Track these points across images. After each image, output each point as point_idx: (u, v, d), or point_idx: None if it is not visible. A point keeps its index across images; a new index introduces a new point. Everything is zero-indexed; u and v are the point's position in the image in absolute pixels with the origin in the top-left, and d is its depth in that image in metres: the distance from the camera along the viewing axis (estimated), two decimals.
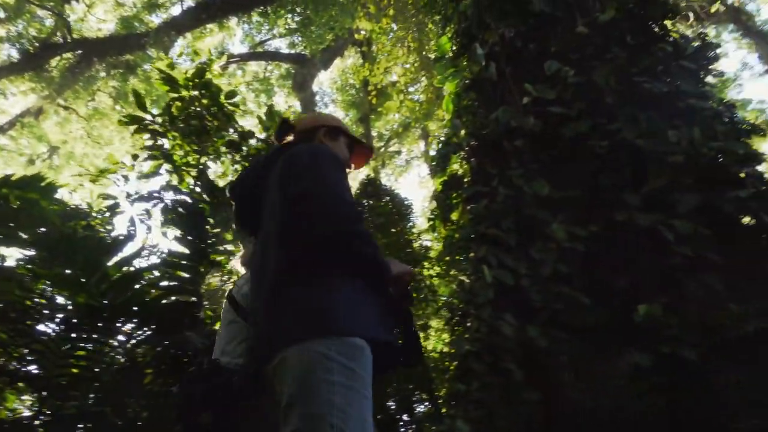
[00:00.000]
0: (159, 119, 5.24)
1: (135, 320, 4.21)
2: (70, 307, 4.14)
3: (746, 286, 3.93)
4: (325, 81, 22.37)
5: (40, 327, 4.10)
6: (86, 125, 18.88)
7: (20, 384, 4.01)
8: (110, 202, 5.17)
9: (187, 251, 4.50)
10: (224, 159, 5.45)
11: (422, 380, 5.68)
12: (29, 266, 4.08)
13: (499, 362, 3.92)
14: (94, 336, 4.21)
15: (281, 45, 20.79)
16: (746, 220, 4.20)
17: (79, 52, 16.44)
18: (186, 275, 4.48)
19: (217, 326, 4.78)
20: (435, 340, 7.03)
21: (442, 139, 6.36)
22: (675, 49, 4.87)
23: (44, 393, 3.98)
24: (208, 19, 16.32)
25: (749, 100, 19.51)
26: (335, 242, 1.68)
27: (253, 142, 5.31)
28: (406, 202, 7.84)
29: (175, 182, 5.13)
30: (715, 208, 4.00)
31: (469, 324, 4.30)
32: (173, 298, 4.49)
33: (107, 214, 5.13)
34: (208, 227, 4.57)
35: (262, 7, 16.47)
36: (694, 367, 3.49)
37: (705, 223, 3.91)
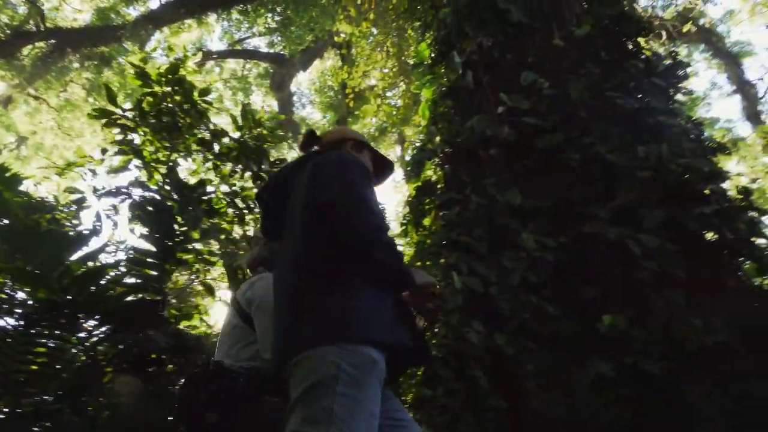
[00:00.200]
0: (129, 114, 5.14)
1: (97, 317, 4.11)
2: (30, 303, 4.02)
3: (708, 300, 4.03)
4: (303, 82, 22.33)
5: None
6: (57, 116, 18.45)
7: None
8: (77, 196, 5.04)
9: (153, 249, 4.42)
10: (195, 157, 5.37)
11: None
12: None
13: (466, 369, 3.94)
14: (55, 332, 4.10)
15: (260, 44, 20.69)
16: (710, 236, 4.31)
17: (53, 41, 16.06)
18: (151, 273, 4.39)
19: (181, 326, 4.72)
20: None
21: (417, 144, 6.38)
22: (647, 66, 4.98)
23: (0, 390, 3.85)
24: (186, 14, 16.10)
25: (717, 118, 20.09)
26: (359, 251, 1.69)
27: (225, 140, 5.24)
28: (379, 206, 7.81)
29: (144, 178, 5.03)
30: (680, 224, 4.09)
31: (437, 330, 4.31)
32: (138, 295, 4.40)
33: (74, 208, 5.01)
34: (175, 225, 4.48)
35: (242, 5, 16.32)
36: (657, 379, 3.55)
37: (671, 238, 4.00)
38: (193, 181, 5.18)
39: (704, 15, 16.38)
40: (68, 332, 4.08)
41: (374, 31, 11.24)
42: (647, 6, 15.45)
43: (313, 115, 22.75)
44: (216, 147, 5.23)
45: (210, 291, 5.09)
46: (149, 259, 4.45)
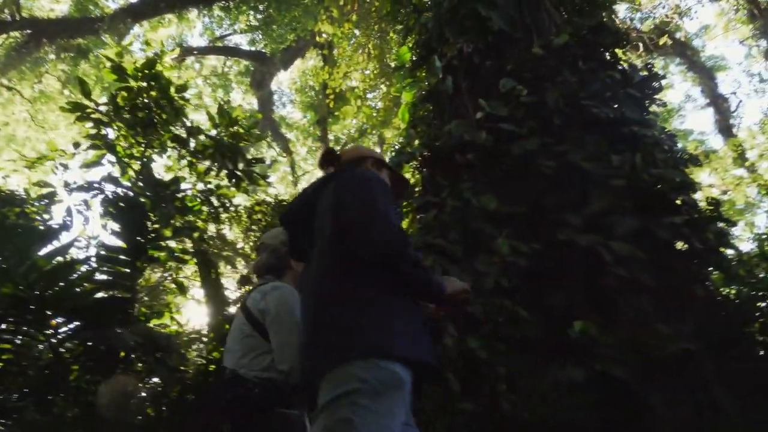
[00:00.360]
0: (104, 108, 5.04)
1: (64, 313, 4.02)
2: None
3: (676, 308, 4.11)
4: (284, 81, 22.22)
5: None
6: (31, 108, 18.04)
7: None
8: (47, 190, 4.94)
9: (124, 246, 4.34)
10: (171, 154, 5.30)
11: None
12: None
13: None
14: (21, 329, 4.01)
15: (242, 41, 20.53)
16: (680, 245, 4.39)
17: (28, 31, 15.72)
18: (122, 270, 4.32)
19: (152, 324, 4.65)
20: None
21: (396, 147, 6.39)
22: (623, 77, 5.07)
23: None
24: (166, 9, 15.90)
25: (691, 130, 20.55)
26: (385, 266, 1.71)
27: (201, 138, 5.18)
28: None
29: (117, 174, 4.95)
30: (651, 233, 4.16)
31: None
32: (107, 293, 4.32)
33: (44, 202, 4.91)
34: (148, 222, 4.42)
35: (224, 2, 16.19)
36: (625, 384, 3.60)
37: (641, 246, 4.06)
38: (167, 178, 5.11)
39: (680, 29, 16.74)
40: (34, 329, 3.99)
41: (356, 32, 11.24)
42: (625, 18, 15.73)
43: (293, 114, 22.67)
44: (192, 144, 5.17)
45: (182, 289, 5.02)
46: (120, 256, 4.38)
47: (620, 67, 5.25)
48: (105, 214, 4.54)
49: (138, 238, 4.38)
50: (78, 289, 4.17)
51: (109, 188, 4.76)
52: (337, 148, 20.29)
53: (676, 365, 3.72)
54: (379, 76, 10.99)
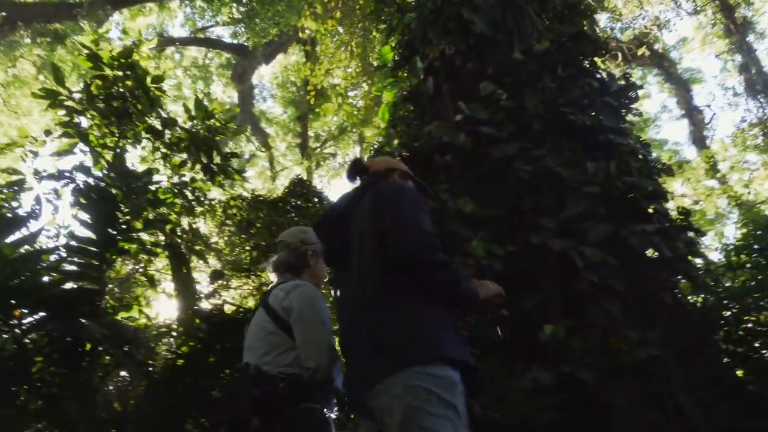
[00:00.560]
0: (77, 96, 4.93)
1: (30, 304, 3.92)
2: None
3: (645, 315, 4.18)
4: (265, 75, 22.06)
5: None
6: (3, 92, 17.60)
7: None
8: (16, 177, 4.82)
9: (94, 237, 4.25)
10: (145, 145, 5.21)
11: None
12: None
13: None
14: None
15: (224, 33, 20.31)
16: (650, 252, 4.47)
17: (3, 14, 15.33)
18: (91, 261, 4.23)
19: (119, 317, 4.57)
20: None
21: (375, 146, 6.39)
22: (601, 85, 5.13)
23: None
24: None
25: (666, 140, 20.94)
26: (419, 273, 1.79)
27: (177, 130, 5.10)
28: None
29: (89, 163, 4.84)
30: (623, 240, 4.22)
31: None
32: (75, 284, 4.23)
33: (14, 189, 4.78)
34: (119, 213, 4.33)
35: None
36: (591, 388, 3.65)
37: (613, 252, 4.12)
38: (141, 169, 5.02)
39: (659, 40, 17.06)
40: None
41: (340, 30, 11.21)
42: (606, 27, 15.97)
43: (273, 109, 22.52)
44: (167, 136, 5.09)
45: (152, 283, 4.94)
46: (90, 247, 4.29)
47: (599, 76, 5.32)
48: (75, 204, 4.44)
49: (109, 229, 4.30)
50: (45, 279, 4.08)
51: (80, 178, 4.66)
52: (316, 145, 20.18)
53: (644, 371, 3.78)
54: (361, 74, 10.98)
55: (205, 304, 6.11)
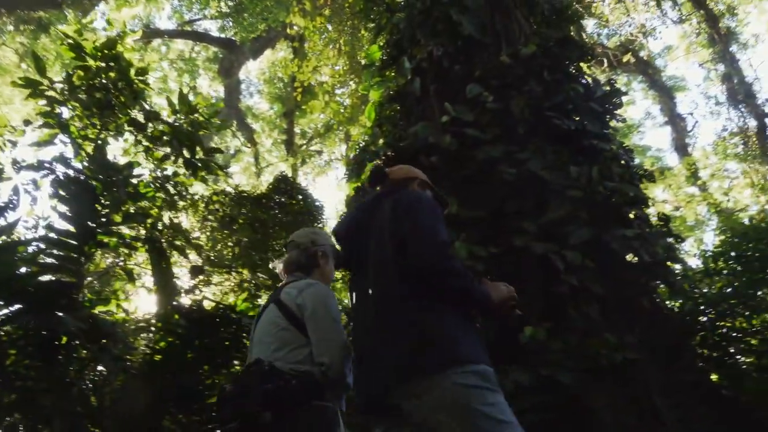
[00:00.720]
0: (59, 86, 4.84)
1: (5, 295, 3.85)
2: None
3: (623, 318, 4.23)
4: (252, 70, 21.90)
5: None
6: None
7: None
8: None
9: (72, 229, 4.18)
10: (127, 138, 5.14)
11: None
12: None
13: None
14: None
15: (211, 27, 20.12)
16: (630, 257, 4.52)
17: None
18: (69, 254, 4.16)
19: (97, 310, 4.50)
20: None
21: (360, 145, 6.37)
22: (586, 90, 5.17)
23: None
24: None
25: (649, 147, 21.19)
26: (434, 279, 1.86)
27: (159, 124, 5.03)
28: (317, 204, 7.80)
29: (69, 155, 4.76)
30: (603, 244, 4.26)
31: None
32: (53, 276, 4.16)
33: None
34: (98, 206, 4.27)
35: None
36: (570, 390, 3.68)
37: (593, 256, 4.16)
38: (122, 162, 4.96)
39: (644, 48, 17.26)
40: None
41: (329, 27, 11.16)
42: (593, 33, 16.12)
43: (260, 104, 22.38)
44: (149, 129, 5.02)
45: (131, 277, 4.88)
46: (68, 240, 4.22)
47: (584, 81, 5.36)
48: (54, 196, 4.37)
49: (88, 222, 4.23)
50: (22, 271, 4.01)
51: (60, 169, 4.58)
52: (302, 142, 20.08)
53: (621, 373, 3.83)
54: (349, 72, 10.96)
55: (185, 300, 6.06)
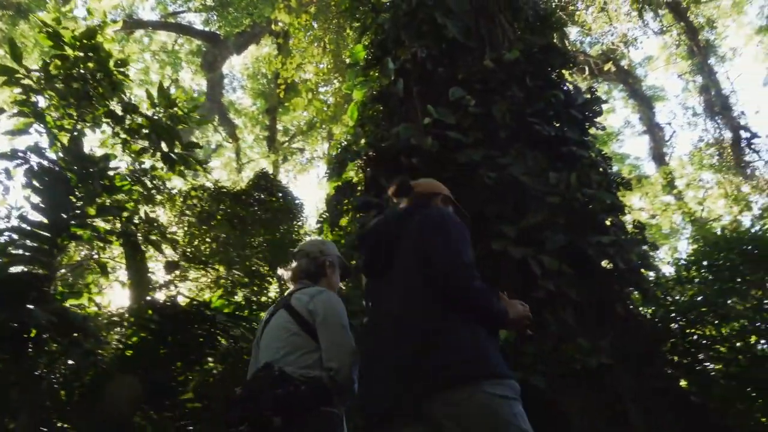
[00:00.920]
0: (35, 75, 4.74)
1: None
2: None
3: (597, 324, 4.28)
4: (236, 65, 21.71)
5: None
6: None
7: None
8: None
9: (45, 220, 4.10)
10: (104, 129, 5.05)
11: None
12: None
13: None
14: None
15: (195, 20, 19.89)
16: (605, 263, 4.58)
17: None
18: (41, 246, 4.08)
19: (68, 303, 4.42)
20: None
21: (342, 144, 6.36)
22: (567, 97, 5.23)
23: None
24: None
25: (627, 155, 21.49)
26: (458, 298, 1.94)
27: (137, 116, 4.94)
28: (297, 202, 7.76)
29: (44, 144, 4.66)
30: (579, 250, 4.31)
31: None
32: (24, 268, 4.08)
33: None
34: (73, 198, 4.18)
35: None
36: (543, 394, 3.72)
37: (569, 262, 4.20)
38: (100, 152, 4.86)
39: (626, 57, 17.51)
40: None
41: (314, 25, 11.11)
42: (576, 41, 16.31)
43: (242, 100, 22.19)
44: (127, 121, 4.94)
45: (104, 270, 4.79)
46: (41, 231, 4.14)
47: (565, 88, 5.42)
48: (28, 186, 4.27)
49: (61, 213, 4.15)
50: None
51: (34, 159, 4.48)
52: (284, 140, 19.95)
53: (594, 378, 3.87)
54: (333, 70, 10.92)
55: (159, 295, 5.98)
